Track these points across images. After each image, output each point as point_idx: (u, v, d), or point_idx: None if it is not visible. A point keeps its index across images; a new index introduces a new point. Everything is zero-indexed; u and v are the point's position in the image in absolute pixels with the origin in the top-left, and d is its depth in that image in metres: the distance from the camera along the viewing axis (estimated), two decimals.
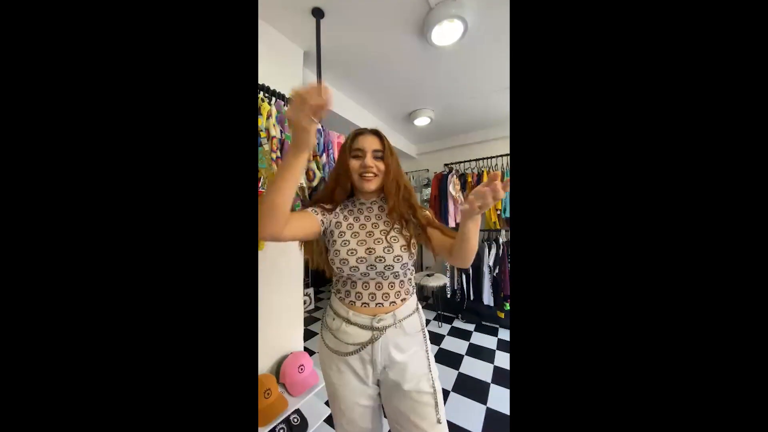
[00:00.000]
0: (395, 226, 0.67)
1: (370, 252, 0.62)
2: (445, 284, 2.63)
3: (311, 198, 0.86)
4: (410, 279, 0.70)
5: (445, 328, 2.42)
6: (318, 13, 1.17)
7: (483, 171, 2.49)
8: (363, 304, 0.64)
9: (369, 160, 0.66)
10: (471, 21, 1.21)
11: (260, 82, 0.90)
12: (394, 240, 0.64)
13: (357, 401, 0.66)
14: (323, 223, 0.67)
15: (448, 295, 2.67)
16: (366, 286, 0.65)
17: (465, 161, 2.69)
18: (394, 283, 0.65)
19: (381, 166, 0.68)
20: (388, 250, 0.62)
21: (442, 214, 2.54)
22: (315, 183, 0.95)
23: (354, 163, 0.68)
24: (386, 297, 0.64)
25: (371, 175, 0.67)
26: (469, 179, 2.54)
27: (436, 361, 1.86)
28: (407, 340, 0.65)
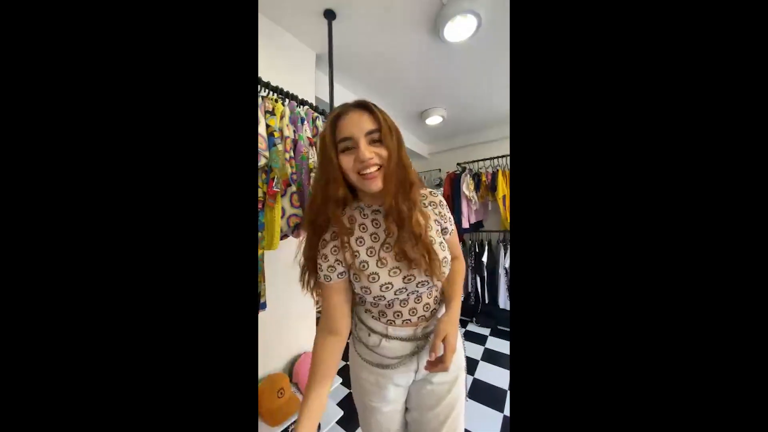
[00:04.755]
0: (409, 243, 0.50)
1: (394, 274, 0.52)
2: None
3: (305, 219, 0.62)
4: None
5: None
6: (330, 15, 1.18)
7: (498, 170, 2.42)
8: (404, 321, 0.57)
9: (365, 151, 0.46)
10: (485, 15, 1.18)
11: (274, 84, 0.92)
12: (416, 264, 0.50)
13: (396, 408, 0.63)
14: (345, 271, 0.54)
15: (462, 298, 2.61)
16: (404, 304, 0.56)
17: (479, 160, 2.63)
18: (430, 292, 0.59)
19: (383, 152, 0.47)
20: (409, 279, 0.52)
21: (455, 215, 2.49)
22: None
23: (346, 160, 0.47)
24: (427, 308, 0.58)
25: (374, 169, 0.47)
26: (483, 178, 2.48)
27: None
28: None
